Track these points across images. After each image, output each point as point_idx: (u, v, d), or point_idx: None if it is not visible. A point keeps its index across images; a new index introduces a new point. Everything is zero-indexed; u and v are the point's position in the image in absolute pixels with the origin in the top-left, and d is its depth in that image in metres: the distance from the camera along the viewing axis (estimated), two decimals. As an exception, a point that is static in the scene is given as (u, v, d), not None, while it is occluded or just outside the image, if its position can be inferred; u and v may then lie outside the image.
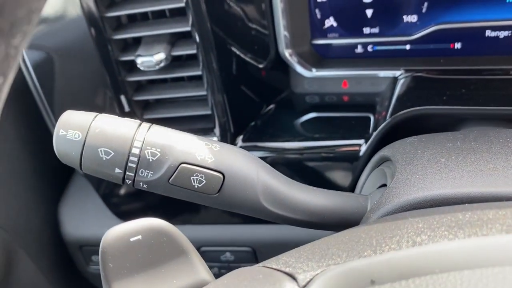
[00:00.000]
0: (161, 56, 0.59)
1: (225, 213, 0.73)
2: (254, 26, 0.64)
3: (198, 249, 0.75)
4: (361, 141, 0.62)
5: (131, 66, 0.64)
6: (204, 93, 0.63)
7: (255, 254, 0.75)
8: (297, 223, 0.42)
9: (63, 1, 0.62)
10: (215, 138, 0.66)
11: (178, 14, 0.60)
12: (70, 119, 0.38)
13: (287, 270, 0.29)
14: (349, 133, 0.64)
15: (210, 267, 0.46)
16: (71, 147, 0.38)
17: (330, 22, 0.66)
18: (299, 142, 0.66)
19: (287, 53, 0.66)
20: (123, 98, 0.66)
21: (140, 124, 0.39)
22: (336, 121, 0.67)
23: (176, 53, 0.61)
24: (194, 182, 0.38)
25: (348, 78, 0.69)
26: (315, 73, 0.67)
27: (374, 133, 0.60)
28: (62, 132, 0.38)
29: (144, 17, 0.63)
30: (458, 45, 0.64)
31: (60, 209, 0.82)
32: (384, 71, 0.65)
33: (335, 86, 0.70)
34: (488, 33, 0.62)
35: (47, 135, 0.75)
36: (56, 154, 0.39)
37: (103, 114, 0.40)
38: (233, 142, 0.67)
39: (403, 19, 0.64)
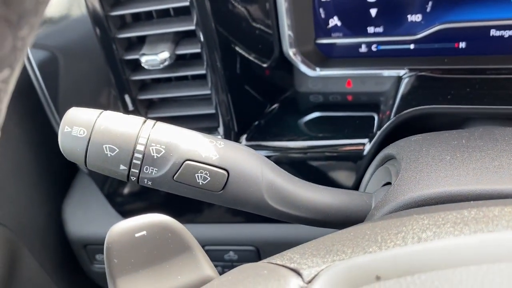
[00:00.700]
0: (165, 55, 0.59)
1: (228, 212, 0.73)
2: (258, 25, 0.64)
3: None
4: (365, 140, 0.62)
5: (136, 65, 0.64)
6: (208, 92, 0.63)
7: (258, 253, 0.75)
8: (301, 220, 0.42)
9: (67, 0, 0.62)
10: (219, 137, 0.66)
11: (182, 13, 0.60)
12: (75, 116, 0.38)
13: (292, 266, 0.29)
14: (353, 132, 0.64)
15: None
16: (76, 144, 0.38)
17: (334, 21, 0.66)
18: (303, 142, 0.66)
19: (291, 52, 0.66)
20: (127, 97, 0.66)
21: (145, 121, 0.39)
22: (340, 121, 0.67)
23: (180, 52, 0.61)
24: (199, 179, 0.38)
25: (352, 78, 0.69)
26: (319, 72, 0.67)
27: (378, 132, 0.60)
28: (67, 129, 0.38)
29: (148, 16, 0.63)
30: (462, 45, 0.63)
31: (64, 207, 0.82)
32: (388, 70, 0.65)
33: (339, 86, 0.70)
34: (493, 32, 0.61)
35: (52, 134, 0.75)
36: (61, 151, 0.39)
37: (108, 111, 0.40)
38: (236, 141, 0.66)
39: (407, 18, 0.64)
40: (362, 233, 0.31)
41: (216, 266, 0.77)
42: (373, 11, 0.65)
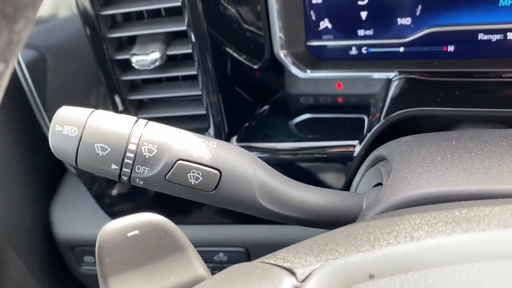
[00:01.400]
0: (156, 55, 0.59)
1: (218, 213, 0.73)
2: (249, 27, 0.64)
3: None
4: (355, 142, 0.62)
5: (126, 65, 0.64)
6: (199, 92, 0.62)
7: (248, 255, 0.75)
8: (293, 221, 0.42)
9: (58, -1, 0.62)
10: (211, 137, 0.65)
11: (174, 13, 0.60)
12: (66, 115, 0.38)
13: (285, 265, 0.29)
14: (344, 134, 0.64)
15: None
16: (67, 143, 0.37)
17: (325, 24, 0.67)
18: (294, 143, 0.66)
19: (282, 54, 0.66)
20: (117, 98, 0.65)
21: (137, 120, 0.39)
22: (331, 122, 0.68)
23: (171, 52, 0.61)
24: (191, 179, 0.38)
25: (343, 80, 0.69)
26: (309, 74, 0.68)
27: (368, 134, 0.60)
28: (58, 128, 0.37)
29: (139, 16, 0.63)
30: (451, 48, 0.64)
31: (52, 209, 0.81)
32: (378, 73, 0.66)
33: (329, 88, 0.70)
34: (481, 36, 0.62)
35: (40, 135, 0.74)
36: (52, 150, 0.39)
37: (99, 110, 0.40)
38: (227, 142, 0.67)
39: (397, 21, 0.65)
40: (355, 232, 0.31)
41: (205, 267, 0.77)
42: (364, 14, 0.65)
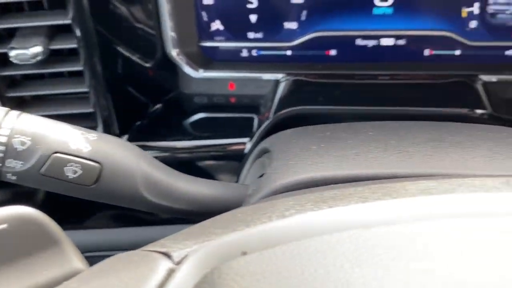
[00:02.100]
0: (37, 49, 0.56)
1: (106, 216, 0.71)
2: (140, 25, 0.63)
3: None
4: (247, 139, 0.64)
5: (4, 60, 0.60)
6: (85, 90, 0.60)
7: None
8: (180, 213, 0.42)
9: None
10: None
11: (57, 6, 0.57)
12: None
13: (162, 250, 0.30)
14: (236, 132, 0.66)
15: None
16: None
17: (217, 25, 0.68)
18: (188, 142, 0.66)
19: (174, 53, 0.67)
20: (-6, 95, 0.61)
21: (8, 111, 0.37)
22: (224, 121, 0.69)
23: (55, 47, 0.58)
24: (68, 173, 0.37)
25: (235, 80, 0.71)
26: (202, 74, 0.68)
27: (258, 132, 0.63)
28: None
29: (19, 7, 0.59)
30: (333, 52, 0.69)
31: None
32: (267, 74, 0.69)
33: (222, 88, 0.72)
34: (358, 41, 0.68)
35: None
36: None
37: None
38: (118, 142, 0.65)
39: (284, 26, 0.68)
40: (234, 216, 0.33)
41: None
42: (253, 17, 0.68)
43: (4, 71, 0.59)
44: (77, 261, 0.31)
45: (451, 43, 0.66)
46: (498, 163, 0.37)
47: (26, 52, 0.55)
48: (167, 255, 0.29)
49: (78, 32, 0.56)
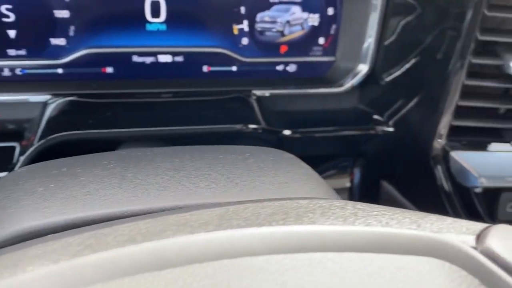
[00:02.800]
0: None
1: None
2: None
3: None
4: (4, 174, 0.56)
5: None
6: None
7: None
8: None
9: None
10: None
11: None
12: None
13: None
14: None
15: None
16: None
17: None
18: None
19: None
20: None
21: None
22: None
23: None
24: None
25: (-2, 104, 0.62)
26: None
27: (19, 163, 0.55)
28: None
29: None
30: (110, 69, 0.65)
31: None
32: (33, 96, 0.62)
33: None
34: (135, 58, 0.65)
35: None
36: None
37: None
38: None
39: (51, 42, 0.62)
40: None
41: None
42: (12, 33, 0.60)
43: None
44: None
45: (227, 60, 0.67)
46: (232, 187, 0.37)
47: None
48: None
49: None
